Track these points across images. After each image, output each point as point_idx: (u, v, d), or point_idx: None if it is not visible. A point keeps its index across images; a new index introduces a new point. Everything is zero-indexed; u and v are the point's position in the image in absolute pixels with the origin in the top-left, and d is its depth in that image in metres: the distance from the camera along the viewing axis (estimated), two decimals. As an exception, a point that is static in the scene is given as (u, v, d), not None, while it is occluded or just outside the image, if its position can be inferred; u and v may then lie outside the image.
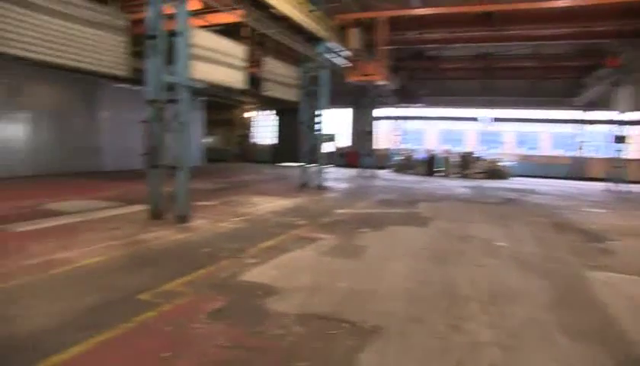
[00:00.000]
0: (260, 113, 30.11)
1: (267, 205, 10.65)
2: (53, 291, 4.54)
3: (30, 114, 16.06)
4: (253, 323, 3.82)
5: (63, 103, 17.38)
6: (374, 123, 26.00)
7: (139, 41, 9.65)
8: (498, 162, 23.40)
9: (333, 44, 14.89)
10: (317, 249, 6.49)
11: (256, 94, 16.80)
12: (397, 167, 25.10)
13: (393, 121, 28.57)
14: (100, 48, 9.40)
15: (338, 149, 27.29)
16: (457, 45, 21.09)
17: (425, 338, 3.68)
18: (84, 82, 17.57)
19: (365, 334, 3.71)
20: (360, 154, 23.92)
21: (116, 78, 15.97)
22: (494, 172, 22.36)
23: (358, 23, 16.46)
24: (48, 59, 8.32)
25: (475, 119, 26.86)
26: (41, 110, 16.43)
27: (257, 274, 5.21)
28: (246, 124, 30.72)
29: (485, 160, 23.21)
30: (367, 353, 3.39)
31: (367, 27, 16.96)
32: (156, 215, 8.26)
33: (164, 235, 7.07)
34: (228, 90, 16.37)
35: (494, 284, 5.21)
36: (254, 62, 14.62)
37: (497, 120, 26.38)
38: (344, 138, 28.20)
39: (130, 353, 3.29)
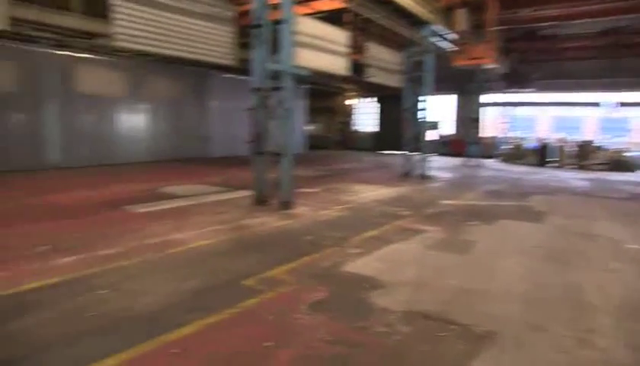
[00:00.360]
0: (362, 100, 29.90)
1: (369, 193, 10.47)
2: (168, 271, 4.78)
3: (149, 105, 17.50)
4: (356, 318, 3.66)
5: (177, 94, 18.63)
6: (480, 109, 24.56)
7: (245, 33, 9.90)
8: (624, 152, 20.85)
9: (438, 27, 14.16)
10: (422, 242, 6.17)
11: (358, 80, 16.60)
12: (505, 156, 23.47)
13: (501, 108, 26.75)
14: (210, 39, 9.80)
15: (441, 137, 26.23)
16: (577, 21, 19.00)
17: (547, 351, 3.25)
18: (195, 74, 18.71)
19: (477, 339, 3.37)
20: (465, 142, 22.75)
21: (224, 69, 16.76)
22: (619, 164, 19.94)
23: (465, 3, 15.47)
24: (166, 51, 8.86)
25: (596, 104, 24.18)
26: (158, 102, 17.81)
27: (361, 265, 5.04)
28: (347, 112, 30.71)
29: (608, 150, 20.80)
30: (481, 362, 3.06)
31: (475, 6, 15.88)
32: (260, 201, 8.46)
33: (268, 221, 7.19)
34: (330, 77, 16.36)
35: (628, 293, 4.52)
36: (356, 48, 14.39)
37: (623, 104, 23.51)
38: (447, 126, 27.04)
39: (234, 340, 3.30)
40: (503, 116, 26.75)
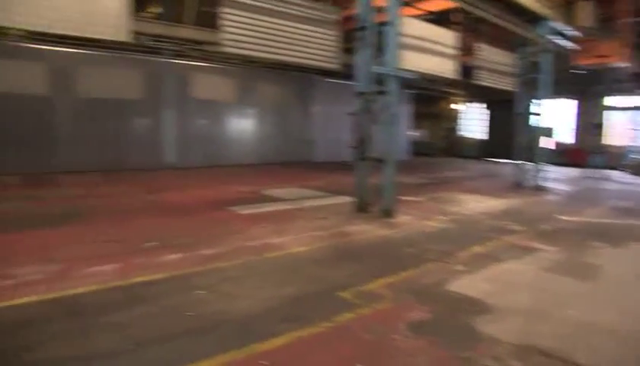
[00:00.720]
0: (469, 105, 28.50)
1: (476, 204, 9.79)
2: (265, 275, 4.77)
3: (256, 110, 18.27)
4: (460, 346, 3.29)
5: (283, 99, 19.20)
6: (605, 115, 22.09)
7: (349, 37, 9.83)
8: None
9: (557, 23, 12.93)
10: (537, 263, 5.54)
11: (466, 84, 15.77)
12: (633, 168, 20.86)
13: (630, 112, 23.83)
14: (314, 43, 9.85)
15: (558, 145, 24.06)
16: None
17: None
18: (299, 80, 19.16)
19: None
20: (585, 151, 20.62)
21: (327, 73, 16.92)
22: None
23: (589, -6, 13.94)
24: (270, 56, 9.06)
25: None
26: (265, 107, 18.52)
27: (467, 284, 4.61)
28: (453, 117, 29.46)
29: None
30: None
31: (601, -3, 14.22)
32: (361, 208, 8.27)
33: (368, 230, 6.97)
34: (436, 81, 15.73)
35: None
36: (465, 49, 13.65)
37: None
38: (564, 133, 24.75)
39: (325, 357, 3.11)
40: (632, 122, 23.83)
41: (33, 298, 3.95)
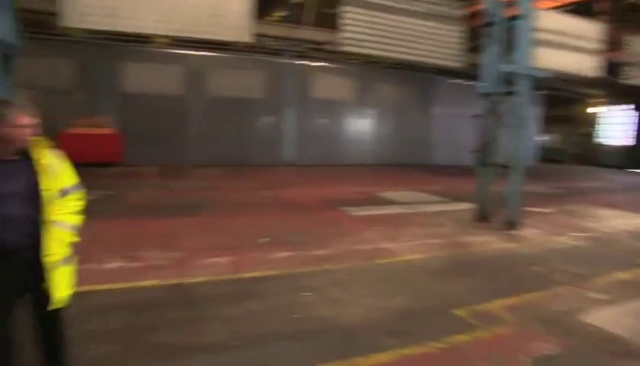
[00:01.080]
0: (611, 107, 25.33)
1: (618, 221, 8.58)
2: (374, 283, 4.60)
3: (374, 110, 18.17)
4: (600, 391, 2.80)
5: (401, 100, 18.85)
6: None
7: (474, 35, 9.26)
8: None
9: None
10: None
11: (610, 83, 13.99)
12: None
13: None
14: (436, 40, 9.42)
15: None
16: None
17: None
18: (419, 80, 18.64)
19: None
20: None
21: (449, 74, 16.24)
22: None
23: None
24: (390, 54, 8.86)
25: None
26: (383, 107, 18.34)
27: (607, 317, 3.94)
28: (589, 121, 26.44)
29: None
30: None
31: None
32: (482, 217, 7.70)
33: (489, 242, 6.44)
34: (571, 81, 14.20)
35: None
36: (611, 43, 12.10)
37: None
38: None
39: (437, 383, 2.85)
40: None
41: (156, 282, 4.27)
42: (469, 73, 11.65)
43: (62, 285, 2.20)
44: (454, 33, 9.63)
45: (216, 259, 5.04)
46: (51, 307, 2.20)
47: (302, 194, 9.93)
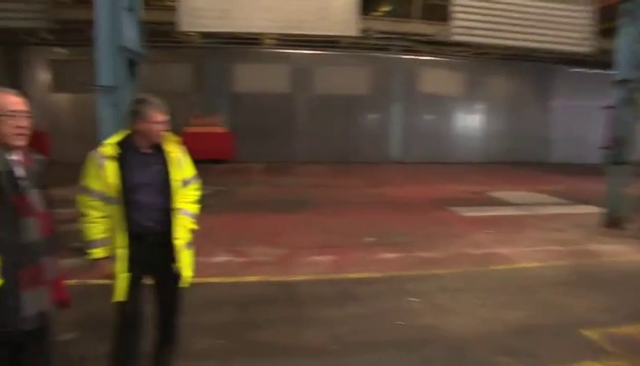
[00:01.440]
0: None
1: None
2: (487, 291, 4.21)
3: (484, 105, 17.13)
4: None
5: (514, 93, 17.51)
6: None
7: (606, 16, 8.20)
8: None
9: None
10: None
11: None
12: None
13: None
14: (560, 23, 8.45)
15: None
16: None
17: None
18: (535, 71, 17.14)
19: None
20: None
21: (571, 62, 14.79)
22: None
23: None
24: (506, 42, 8.15)
25: None
26: (494, 101, 17.20)
27: None
28: None
29: None
30: None
31: None
32: (612, 223, 6.77)
33: (623, 252, 5.63)
34: None
35: None
36: None
37: None
38: None
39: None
40: None
41: (261, 278, 4.32)
42: (595, 60, 10.42)
43: (187, 266, 2.38)
44: (582, 13, 8.56)
45: (319, 257, 5.00)
46: (181, 285, 2.38)
47: (409, 193, 9.64)
